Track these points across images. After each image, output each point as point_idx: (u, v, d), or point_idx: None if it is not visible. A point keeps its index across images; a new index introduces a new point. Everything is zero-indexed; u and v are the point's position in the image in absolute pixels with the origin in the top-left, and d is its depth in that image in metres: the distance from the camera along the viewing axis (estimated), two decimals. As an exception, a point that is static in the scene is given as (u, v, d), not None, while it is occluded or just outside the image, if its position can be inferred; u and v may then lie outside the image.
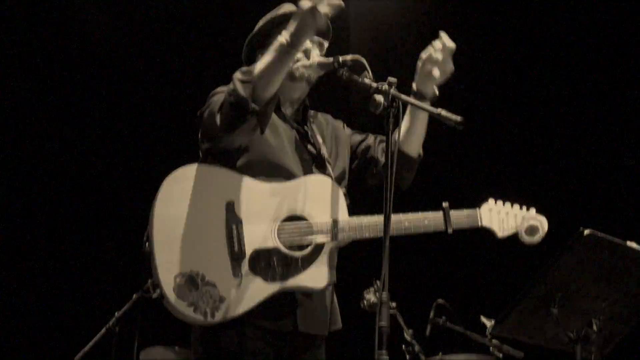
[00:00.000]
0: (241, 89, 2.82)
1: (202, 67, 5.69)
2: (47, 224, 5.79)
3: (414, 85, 3.12)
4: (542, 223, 3.20)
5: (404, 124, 3.22)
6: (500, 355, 4.59)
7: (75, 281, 5.78)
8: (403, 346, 4.75)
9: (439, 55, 3.07)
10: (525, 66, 5.88)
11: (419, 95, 3.09)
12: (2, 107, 5.63)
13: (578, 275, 2.90)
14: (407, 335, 4.76)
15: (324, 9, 2.85)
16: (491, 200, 3.25)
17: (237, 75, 2.87)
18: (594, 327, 2.96)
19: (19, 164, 5.75)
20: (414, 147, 3.22)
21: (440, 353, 4.85)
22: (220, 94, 3.00)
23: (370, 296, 4.58)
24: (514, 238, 3.25)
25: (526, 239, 3.20)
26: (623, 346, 3.17)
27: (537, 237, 3.19)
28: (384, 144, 3.29)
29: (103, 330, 4.63)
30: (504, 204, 3.25)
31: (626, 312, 3.05)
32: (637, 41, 5.62)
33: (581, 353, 2.95)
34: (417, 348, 4.74)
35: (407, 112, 3.21)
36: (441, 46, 3.07)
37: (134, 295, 4.63)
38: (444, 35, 3.09)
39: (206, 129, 2.98)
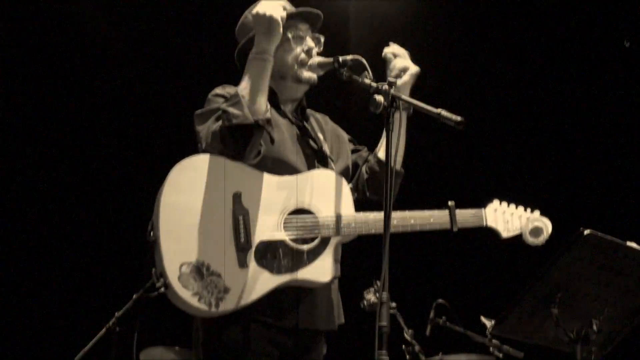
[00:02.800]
0: (235, 111, 2.85)
1: (208, 57, 5.67)
2: (46, 224, 5.79)
3: None
4: (546, 225, 3.23)
5: (384, 139, 3.23)
6: (500, 355, 4.59)
7: (75, 281, 5.78)
8: (403, 346, 4.75)
9: (402, 63, 3.12)
10: (528, 66, 5.88)
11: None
12: (4, 102, 5.63)
13: (578, 275, 2.90)
14: (407, 335, 4.76)
15: (277, 13, 2.91)
16: (496, 201, 3.27)
17: (224, 105, 2.90)
18: (594, 327, 2.95)
19: (18, 161, 5.74)
20: (397, 160, 3.20)
21: (441, 353, 4.85)
22: (218, 98, 3.03)
23: (370, 296, 4.58)
24: (514, 239, 3.26)
25: (530, 240, 3.22)
26: (623, 346, 3.17)
27: (542, 239, 3.22)
28: (369, 163, 3.32)
29: (103, 330, 4.63)
30: (508, 205, 3.27)
31: (626, 312, 3.04)
32: (638, 40, 5.62)
33: (581, 353, 2.95)
34: (417, 348, 4.74)
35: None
36: (396, 54, 3.14)
37: (134, 295, 4.63)
38: (392, 45, 3.17)
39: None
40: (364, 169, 3.33)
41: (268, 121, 2.93)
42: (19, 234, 5.72)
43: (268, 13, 2.91)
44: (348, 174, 3.28)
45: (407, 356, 4.74)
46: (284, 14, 2.95)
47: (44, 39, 5.63)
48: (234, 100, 2.88)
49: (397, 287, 3.04)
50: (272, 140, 2.98)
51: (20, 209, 5.74)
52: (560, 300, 2.91)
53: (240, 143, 2.87)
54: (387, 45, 3.20)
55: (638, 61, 5.63)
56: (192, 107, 3.11)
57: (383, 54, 3.18)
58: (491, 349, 4.61)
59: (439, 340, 4.84)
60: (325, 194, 3.01)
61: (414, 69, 3.14)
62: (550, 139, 5.89)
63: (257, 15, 2.93)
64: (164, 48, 5.78)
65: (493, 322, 3.08)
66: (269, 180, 2.96)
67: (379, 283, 2.51)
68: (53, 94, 5.74)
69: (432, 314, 4.82)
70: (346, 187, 3.07)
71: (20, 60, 5.61)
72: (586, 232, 2.81)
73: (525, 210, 3.28)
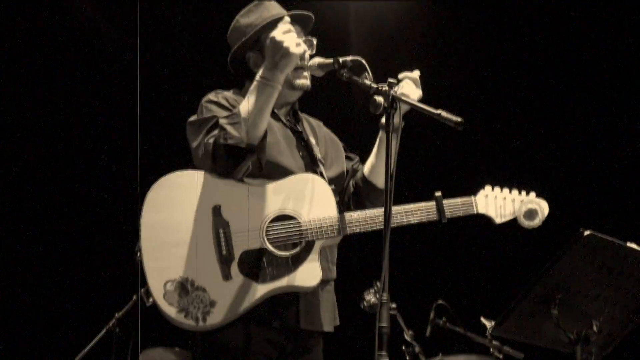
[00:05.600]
0: (233, 131, 2.83)
1: (189, 75, 5.67)
2: (47, 224, 5.79)
3: None
4: (541, 206, 3.14)
5: (373, 153, 3.23)
6: (501, 356, 4.59)
7: (75, 282, 5.78)
8: (403, 347, 4.75)
9: (405, 89, 3.06)
10: (526, 64, 5.88)
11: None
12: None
13: (578, 276, 2.90)
14: (407, 336, 4.76)
15: (298, 48, 2.87)
16: (488, 187, 3.19)
17: (223, 121, 2.88)
18: (594, 328, 2.95)
19: (20, 164, 5.74)
20: (382, 178, 3.15)
21: (441, 354, 4.84)
22: (212, 105, 3.01)
23: (371, 297, 4.58)
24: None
25: (525, 223, 3.13)
26: (623, 347, 3.17)
27: (537, 221, 3.13)
28: (355, 178, 3.31)
29: (103, 331, 4.63)
30: (502, 190, 3.19)
31: (626, 312, 3.04)
32: (638, 40, 5.63)
33: (581, 354, 2.95)
34: (417, 349, 4.74)
35: (377, 142, 3.21)
36: (407, 77, 3.10)
37: (134, 296, 4.63)
38: (406, 72, 3.12)
39: (206, 170, 2.97)
40: (351, 182, 3.32)
41: (262, 148, 2.91)
42: (20, 234, 5.73)
43: (290, 47, 2.85)
44: (343, 179, 3.27)
45: (407, 357, 4.74)
46: (302, 49, 2.92)
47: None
48: (235, 119, 2.86)
49: (398, 288, 3.03)
50: (260, 167, 2.94)
51: (22, 210, 5.74)
52: (560, 301, 2.91)
53: (231, 163, 2.87)
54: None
55: (638, 60, 5.63)
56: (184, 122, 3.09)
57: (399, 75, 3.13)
58: (491, 349, 4.61)
59: (439, 341, 4.84)
60: (306, 198, 2.98)
61: (414, 95, 3.07)
62: (550, 139, 5.89)
63: (277, 43, 2.86)
64: (154, 54, 5.77)
65: (493, 323, 3.07)
66: (248, 189, 2.95)
67: (379, 284, 2.51)
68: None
69: (432, 315, 4.82)
70: (327, 189, 3.03)
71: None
72: (586, 232, 2.81)
73: (520, 193, 3.19)
